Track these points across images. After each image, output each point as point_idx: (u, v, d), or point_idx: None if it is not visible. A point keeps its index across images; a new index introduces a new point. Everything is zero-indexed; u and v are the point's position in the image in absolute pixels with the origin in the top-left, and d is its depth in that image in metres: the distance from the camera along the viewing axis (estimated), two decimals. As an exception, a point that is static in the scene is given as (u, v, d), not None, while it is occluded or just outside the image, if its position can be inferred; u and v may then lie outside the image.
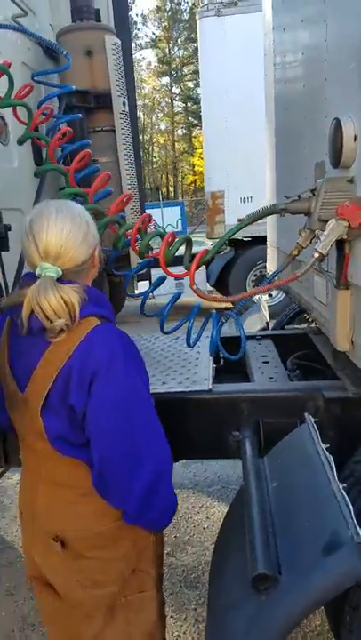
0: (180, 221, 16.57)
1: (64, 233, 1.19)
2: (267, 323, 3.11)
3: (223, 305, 5.69)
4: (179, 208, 17.80)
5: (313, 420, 1.63)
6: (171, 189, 42.72)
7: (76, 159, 1.86)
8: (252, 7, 6.68)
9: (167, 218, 15.79)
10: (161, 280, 1.96)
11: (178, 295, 2.02)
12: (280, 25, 2.58)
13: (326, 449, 1.44)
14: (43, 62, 2.72)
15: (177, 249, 1.59)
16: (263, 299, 3.75)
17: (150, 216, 1.95)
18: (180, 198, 36.13)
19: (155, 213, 16.02)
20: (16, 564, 2.90)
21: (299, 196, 1.61)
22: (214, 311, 1.97)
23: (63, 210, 1.23)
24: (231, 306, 1.69)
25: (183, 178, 44.08)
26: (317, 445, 1.48)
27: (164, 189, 39.92)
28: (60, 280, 1.21)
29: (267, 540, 1.29)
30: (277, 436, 1.76)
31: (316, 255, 1.48)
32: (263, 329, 3.11)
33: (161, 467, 1.26)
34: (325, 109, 1.74)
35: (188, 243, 1.62)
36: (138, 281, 4.79)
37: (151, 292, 1.95)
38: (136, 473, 1.21)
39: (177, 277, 1.64)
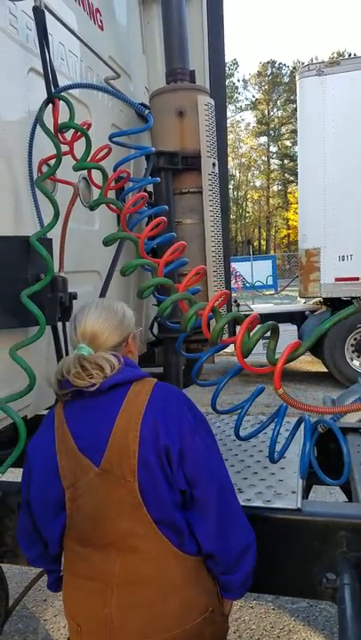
0: (270, 278, 16.20)
1: (100, 320, 1.34)
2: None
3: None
4: (270, 262, 17.48)
5: None
6: (263, 243, 42.88)
7: (149, 227, 1.66)
8: (355, 65, 6.52)
9: (257, 272, 15.50)
10: (237, 371, 1.62)
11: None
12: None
13: None
14: (135, 125, 2.64)
15: (259, 337, 1.28)
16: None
17: (228, 294, 1.65)
18: (272, 252, 35.96)
19: (244, 267, 15.90)
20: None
21: None
22: (307, 415, 1.57)
23: (103, 302, 1.40)
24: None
25: (276, 232, 44.13)
26: None
27: (256, 243, 40.12)
28: None
29: None
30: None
31: None
32: (367, 418, 2.61)
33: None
34: None
35: (275, 331, 1.29)
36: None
37: (224, 384, 1.61)
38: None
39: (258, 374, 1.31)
